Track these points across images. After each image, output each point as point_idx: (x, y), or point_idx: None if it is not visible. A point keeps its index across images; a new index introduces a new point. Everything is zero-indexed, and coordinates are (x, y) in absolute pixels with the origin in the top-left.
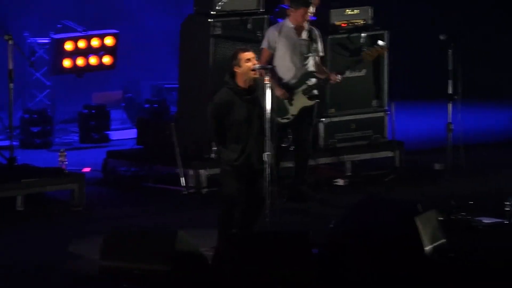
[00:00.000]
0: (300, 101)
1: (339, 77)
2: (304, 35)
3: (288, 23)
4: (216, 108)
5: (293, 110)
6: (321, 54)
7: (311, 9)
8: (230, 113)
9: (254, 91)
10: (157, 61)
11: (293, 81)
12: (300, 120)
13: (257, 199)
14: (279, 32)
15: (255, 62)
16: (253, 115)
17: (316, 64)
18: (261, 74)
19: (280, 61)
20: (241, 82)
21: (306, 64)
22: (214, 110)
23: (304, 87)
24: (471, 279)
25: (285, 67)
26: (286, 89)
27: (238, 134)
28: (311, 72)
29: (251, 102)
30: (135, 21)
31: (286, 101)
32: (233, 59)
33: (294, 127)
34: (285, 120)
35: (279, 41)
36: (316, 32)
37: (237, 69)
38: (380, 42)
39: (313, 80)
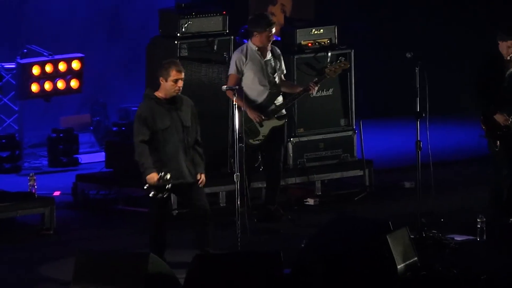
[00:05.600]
0: (270, 122)
1: (316, 88)
2: (268, 55)
3: (252, 46)
4: (141, 120)
5: (264, 131)
6: (284, 72)
7: (273, 29)
8: (154, 122)
9: (177, 102)
10: (124, 83)
11: (263, 103)
12: (271, 140)
13: (200, 211)
14: (246, 56)
15: (181, 84)
16: (176, 125)
17: (284, 82)
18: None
19: (250, 84)
20: (162, 94)
21: (274, 84)
22: (140, 123)
23: (272, 107)
24: None
25: (256, 90)
26: (259, 111)
27: (161, 144)
28: (279, 91)
29: (174, 111)
30: (101, 44)
31: (256, 122)
32: (163, 69)
33: (265, 147)
34: (257, 142)
35: (247, 65)
36: (278, 50)
37: (161, 81)
38: (341, 58)
39: (280, 100)
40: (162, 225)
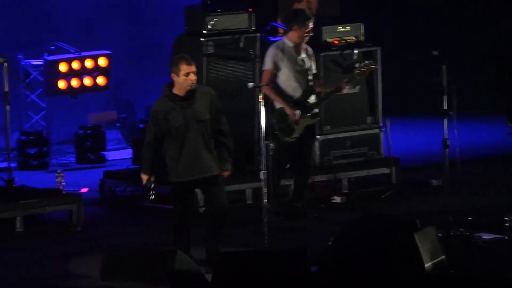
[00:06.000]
0: (305, 120)
1: (348, 88)
2: (303, 53)
3: (288, 42)
4: (153, 117)
5: (299, 129)
6: (314, 71)
7: (311, 25)
8: (167, 120)
9: (191, 97)
10: (149, 80)
11: (298, 100)
12: (302, 138)
13: (217, 209)
14: (282, 52)
15: (194, 77)
16: (190, 121)
17: (315, 81)
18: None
19: (286, 81)
20: (177, 90)
21: (308, 82)
22: (151, 119)
23: (306, 105)
24: None
25: (291, 87)
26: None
27: (176, 141)
28: (312, 90)
29: (188, 107)
30: (127, 41)
31: (292, 120)
32: (173, 66)
33: (296, 145)
34: (292, 140)
35: (283, 61)
36: (310, 49)
37: (174, 77)
38: (370, 61)
39: (313, 98)
40: (184, 222)
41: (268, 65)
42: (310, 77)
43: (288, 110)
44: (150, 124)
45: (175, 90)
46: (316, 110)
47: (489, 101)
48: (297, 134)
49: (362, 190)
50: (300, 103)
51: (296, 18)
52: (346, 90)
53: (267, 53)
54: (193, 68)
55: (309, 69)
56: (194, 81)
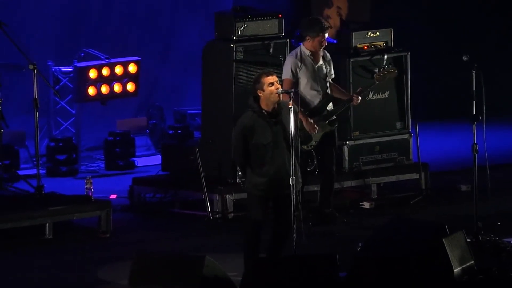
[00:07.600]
0: (322, 128)
1: (359, 98)
2: (320, 60)
3: (305, 50)
4: (240, 131)
5: (316, 137)
6: (333, 76)
7: (326, 35)
8: (254, 136)
9: (278, 114)
10: (179, 87)
11: (316, 108)
12: (323, 145)
13: (283, 224)
14: (300, 60)
15: (278, 86)
16: (278, 138)
17: (332, 86)
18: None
19: (303, 89)
20: (264, 105)
21: (326, 89)
22: (239, 133)
23: (324, 113)
24: None
25: (309, 95)
26: (311, 116)
27: (263, 158)
28: (331, 97)
29: (276, 125)
30: (157, 47)
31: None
32: (256, 83)
33: (318, 152)
34: (310, 147)
35: (301, 70)
36: (328, 55)
37: (260, 93)
38: (390, 65)
39: (330, 105)
40: (259, 233)
41: (287, 74)
42: (328, 84)
43: (305, 124)
44: (237, 139)
45: (263, 105)
46: (333, 117)
47: None
48: (313, 142)
49: (391, 196)
50: (317, 111)
51: (310, 28)
52: (358, 100)
53: (286, 62)
54: (275, 78)
55: (327, 75)
56: (280, 90)
